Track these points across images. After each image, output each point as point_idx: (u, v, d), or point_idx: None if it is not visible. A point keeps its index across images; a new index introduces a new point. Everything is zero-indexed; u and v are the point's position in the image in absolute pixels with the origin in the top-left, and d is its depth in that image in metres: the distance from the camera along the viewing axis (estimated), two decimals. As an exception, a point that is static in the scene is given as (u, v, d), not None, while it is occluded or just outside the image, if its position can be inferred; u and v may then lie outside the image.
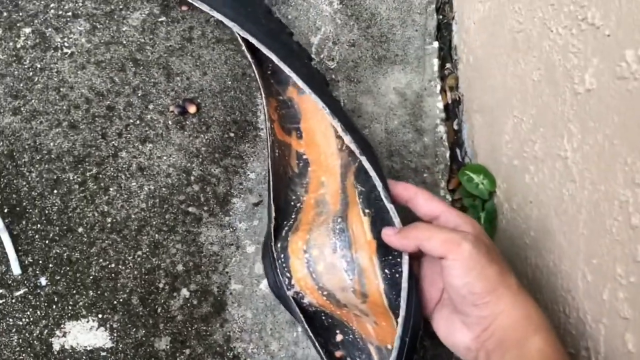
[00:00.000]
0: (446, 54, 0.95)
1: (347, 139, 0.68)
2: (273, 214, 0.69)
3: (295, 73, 0.73)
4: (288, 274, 0.67)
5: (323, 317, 0.69)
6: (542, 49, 0.67)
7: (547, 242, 0.65)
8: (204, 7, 0.76)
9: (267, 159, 0.75)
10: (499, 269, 0.55)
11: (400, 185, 0.66)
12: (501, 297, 0.54)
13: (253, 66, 0.78)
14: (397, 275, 0.62)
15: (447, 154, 0.87)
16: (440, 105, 0.90)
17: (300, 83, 0.72)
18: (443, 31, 0.96)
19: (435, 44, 0.93)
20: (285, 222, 0.72)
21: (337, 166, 0.74)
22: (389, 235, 0.62)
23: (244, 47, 0.79)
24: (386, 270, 0.62)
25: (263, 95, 0.77)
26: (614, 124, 0.52)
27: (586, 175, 0.58)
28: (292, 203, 0.74)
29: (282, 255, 0.67)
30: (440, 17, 0.97)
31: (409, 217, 0.65)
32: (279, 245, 0.68)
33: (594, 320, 0.56)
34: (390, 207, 0.63)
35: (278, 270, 0.67)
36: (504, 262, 0.58)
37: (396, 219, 0.63)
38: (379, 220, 0.64)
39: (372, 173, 0.66)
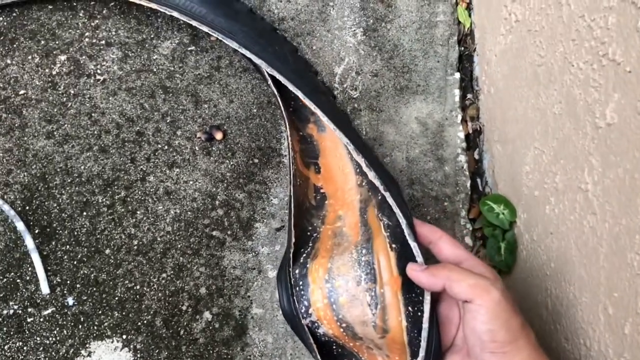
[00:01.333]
0: (467, 84, 0.97)
1: (371, 175, 0.68)
2: (293, 239, 0.69)
3: (320, 109, 0.74)
4: (306, 302, 0.65)
5: (334, 347, 0.69)
6: (563, 82, 0.68)
7: (568, 273, 0.66)
8: (234, 45, 0.78)
9: (289, 185, 0.76)
10: (522, 322, 0.55)
11: (426, 227, 0.65)
12: (520, 350, 0.54)
13: (278, 99, 0.80)
14: (419, 314, 0.61)
15: (468, 183, 0.88)
16: (461, 135, 0.91)
17: (325, 119, 0.73)
18: (465, 62, 0.98)
19: (457, 75, 0.95)
20: (302, 250, 0.72)
21: (356, 201, 0.74)
22: (416, 271, 0.60)
23: (270, 83, 0.81)
24: (409, 308, 0.61)
25: (287, 127, 0.79)
26: (635, 159, 0.53)
27: (607, 209, 0.59)
28: (309, 233, 0.74)
29: (300, 283, 0.66)
30: (462, 48, 0.99)
31: (430, 260, 0.64)
32: (297, 271, 0.67)
33: (615, 354, 0.56)
34: (413, 245, 0.63)
35: (295, 297, 0.66)
36: (523, 316, 0.58)
37: (419, 258, 0.62)
38: (404, 257, 0.64)
39: (396, 210, 0.65)
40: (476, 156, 0.92)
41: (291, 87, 0.77)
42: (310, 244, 0.72)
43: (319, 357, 0.64)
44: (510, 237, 0.79)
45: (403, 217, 0.65)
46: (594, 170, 0.61)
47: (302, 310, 0.65)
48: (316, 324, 0.65)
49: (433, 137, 0.90)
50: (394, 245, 0.64)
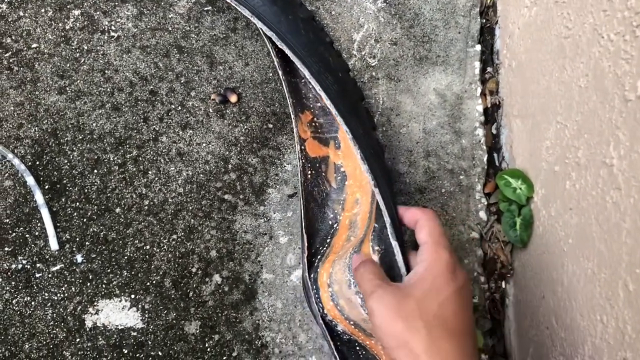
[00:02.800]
0: (488, 57, 0.95)
1: (364, 168, 0.67)
2: (305, 244, 0.71)
3: (325, 92, 0.72)
4: (321, 304, 0.69)
5: (357, 347, 0.70)
6: (591, 55, 0.66)
7: (587, 250, 0.65)
8: (246, 13, 0.76)
9: (299, 186, 0.76)
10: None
11: (410, 212, 0.65)
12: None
13: (284, 83, 0.78)
14: None
15: (485, 158, 0.86)
16: (480, 108, 0.89)
17: (328, 103, 0.72)
18: (486, 35, 0.96)
19: (478, 47, 0.93)
20: (320, 248, 0.73)
21: (369, 186, 0.74)
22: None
23: (275, 62, 0.79)
24: None
25: (293, 115, 0.78)
26: (667, 132, 0.52)
27: (632, 184, 0.57)
28: (330, 222, 0.75)
29: (314, 287, 0.70)
30: (484, 20, 0.96)
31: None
32: (312, 276, 0.70)
33: (634, 330, 0.55)
34: (394, 244, 0.63)
35: (313, 299, 0.69)
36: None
37: (399, 257, 0.63)
38: (387, 259, 0.65)
39: (383, 207, 0.65)
40: (494, 131, 0.90)
41: (298, 64, 0.74)
42: (328, 240, 0.73)
43: (336, 355, 0.68)
44: (527, 212, 0.77)
45: (388, 216, 0.65)
46: (621, 145, 0.60)
47: (320, 312, 0.69)
48: (334, 322, 0.69)
49: (451, 110, 0.88)
50: (376, 248, 0.66)
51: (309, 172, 0.77)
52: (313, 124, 0.80)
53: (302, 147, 0.77)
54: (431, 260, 0.58)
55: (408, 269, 0.62)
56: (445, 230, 0.64)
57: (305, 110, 0.80)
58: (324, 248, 0.72)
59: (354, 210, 0.75)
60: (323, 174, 0.77)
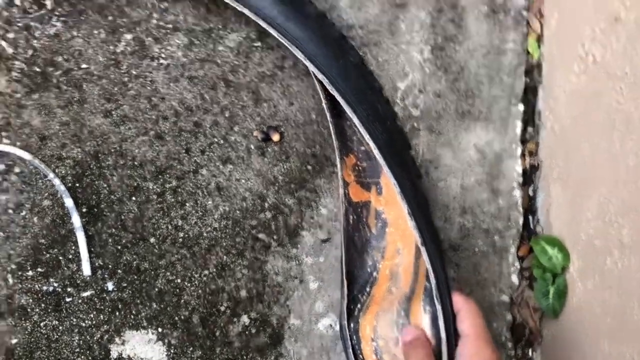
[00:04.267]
0: (529, 117, 0.95)
1: (411, 224, 0.68)
2: (346, 291, 0.70)
3: (373, 141, 0.72)
4: (361, 356, 0.69)
5: None
6: (644, 134, 0.66)
7: (626, 333, 0.64)
8: (299, 54, 0.77)
9: (341, 230, 0.75)
10: None
11: (454, 297, 0.66)
12: None
13: (331, 126, 0.78)
14: None
15: (520, 220, 0.86)
16: (519, 169, 0.89)
17: (376, 152, 0.72)
18: (529, 94, 0.96)
19: (521, 107, 0.93)
20: (359, 296, 0.73)
21: (414, 235, 0.73)
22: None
23: (324, 103, 0.79)
24: None
25: (338, 158, 0.78)
26: None
27: (683, 275, 0.57)
28: (369, 270, 0.75)
29: (354, 337, 0.70)
30: (528, 79, 0.96)
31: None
32: (352, 325, 0.70)
33: None
34: (438, 307, 0.63)
35: (350, 350, 0.69)
36: None
37: (441, 322, 0.63)
38: (437, 322, 0.65)
39: (429, 266, 0.65)
40: (530, 192, 0.90)
41: (348, 111, 0.75)
42: (368, 289, 0.73)
43: None
44: (561, 282, 0.77)
45: (434, 276, 0.65)
46: (672, 233, 0.59)
47: None
48: None
49: (490, 168, 0.88)
50: (428, 308, 0.66)
51: (351, 216, 0.76)
52: (356, 167, 0.80)
53: (346, 191, 0.77)
54: (473, 355, 0.58)
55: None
56: (485, 325, 0.63)
57: (349, 154, 0.80)
58: (364, 297, 0.72)
59: (395, 260, 0.74)
60: (364, 219, 0.77)
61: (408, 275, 0.71)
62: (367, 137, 0.73)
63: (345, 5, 0.93)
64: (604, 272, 0.70)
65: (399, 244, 0.75)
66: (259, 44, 0.90)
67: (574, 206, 0.79)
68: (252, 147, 0.84)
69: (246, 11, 0.79)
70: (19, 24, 0.84)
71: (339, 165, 0.77)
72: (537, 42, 0.98)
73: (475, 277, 0.82)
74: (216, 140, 0.84)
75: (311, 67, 0.77)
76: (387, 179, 0.78)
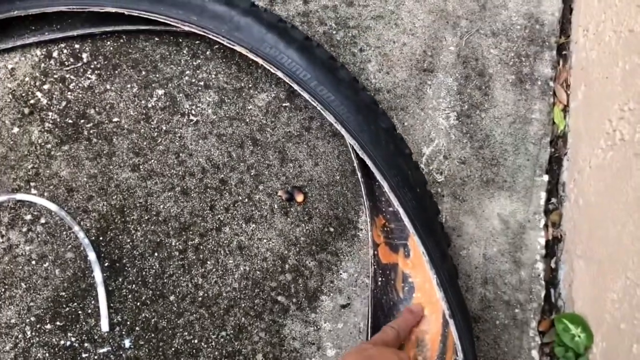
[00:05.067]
0: (553, 188, 0.95)
1: (440, 295, 0.67)
2: None
3: (402, 208, 0.73)
4: None
5: None
6: (674, 222, 0.66)
7: None
8: (331, 119, 0.78)
9: (369, 293, 0.75)
10: None
11: None
12: None
13: (362, 186, 0.79)
14: None
15: (542, 293, 0.85)
16: (542, 241, 0.88)
17: (405, 220, 0.72)
18: (553, 164, 0.96)
19: (546, 178, 0.93)
20: None
21: (442, 306, 0.73)
22: None
23: (355, 164, 0.80)
24: None
25: (368, 218, 0.78)
26: None
27: None
28: None
29: None
30: (552, 149, 0.96)
31: None
32: None
33: None
34: None
35: None
36: None
37: None
38: None
39: (457, 341, 0.65)
40: (552, 264, 0.89)
41: (378, 177, 0.75)
42: None
43: None
44: (584, 363, 0.75)
45: (462, 351, 0.64)
46: (703, 328, 0.58)
47: None
48: None
49: (513, 238, 0.87)
50: None
51: (380, 279, 0.76)
52: (385, 229, 0.80)
53: (375, 252, 0.77)
54: None
55: None
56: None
57: (379, 214, 0.80)
58: None
59: (421, 326, 0.73)
60: (392, 282, 0.77)
61: (435, 345, 0.70)
62: (396, 203, 0.73)
63: (374, 69, 0.94)
64: (629, 358, 0.68)
65: (426, 310, 0.74)
66: (287, 104, 0.91)
67: (598, 284, 0.78)
68: (276, 206, 0.84)
69: (279, 73, 0.81)
70: (55, 76, 0.86)
71: (369, 226, 0.77)
72: (563, 112, 0.98)
73: (495, 350, 0.80)
74: (240, 198, 0.84)
75: (342, 131, 0.78)
76: (414, 242, 0.78)
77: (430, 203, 0.82)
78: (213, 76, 0.90)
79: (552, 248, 0.90)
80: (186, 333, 0.75)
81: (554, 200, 0.94)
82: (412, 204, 0.76)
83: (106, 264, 0.77)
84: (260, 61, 0.82)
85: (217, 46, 0.91)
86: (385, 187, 0.75)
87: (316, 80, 0.81)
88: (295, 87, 0.80)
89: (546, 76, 0.98)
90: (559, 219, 0.92)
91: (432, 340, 0.72)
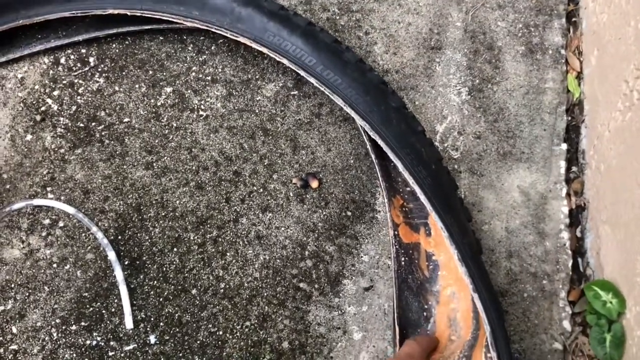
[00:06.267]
0: (572, 156, 0.93)
1: (462, 271, 0.66)
2: (397, 337, 0.69)
3: (418, 185, 0.72)
4: None
5: None
6: (700, 175, 0.64)
7: (694, 384, 0.60)
8: (339, 102, 0.77)
9: (392, 273, 0.74)
10: None
11: None
12: None
13: (377, 167, 0.78)
14: None
15: (570, 263, 0.83)
16: (566, 210, 0.86)
17: (422, 197, 0.71)
18: (571, 133, 0.94)
19: (564, 146, 0.91)
20: None
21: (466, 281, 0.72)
22: None
23: (369, 146, 0.79)
24: None
25: (386, 199, 0.77)
26: None
27: None
28: (425, 315, 0.73)
29: None
30: (569, 118, 0.94)
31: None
32: None
33: None
34: (494, 356, 0.61)
35: None
36: None
37: None
38: None
39: (483, 314, 0.63)
40: (578, 234, 0.87)
41: (392, 156, 0.74)
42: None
43: None
44: (618, 329, 0.73)
45: (488, 324, 0.63)
46: None
47: None
48: None
49: (535, 209, 0.86)
50: (489, 355, 0.63)
51: (403, 258, 0.75)
52: (404, 208, 0.79)
53: (396, 232, 0.76)
54: None
55: None
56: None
57: (396, 195, 0.80)
58: None
59: (450, 305, 0.72)
60: (416, 261, 0.76)
61: (468, 322, 0.69)
62: (411, 181, 0.72)
63: (381, 51, 0.93)
64: (664, 319, 0.66)
65: (453, 287, 0.73)
66: (295, 92, 0.90)
67: (626, 248, 0.76)
68: (291, 194, 0.84)
69: (285, 61, 0.80)
70: (64, 82, 0.87)
71: (387, 207, 0.76)
72: (577, 80, 0.96)
73: (525, 323, 0.79)
74: (255, 188, 0.84)
75: (352, 114, 0.77)
76: (434, 220, 0.77)
77: (447, 179, 0.80)
78: (220, 70, 0.90)
79: (576, 217, 0.88)
80: (210, 325, 0.75)
81: (574, 169, 0.92)
82: (427, 181, 0.75)
83: (126, 262, 0.77)
84: (264, 50, 0.81)
85: (221, 40, 0.91)
86: (399, 166, 0.74)
87: (322, 64, 0.81)
88: (302, 73, 0.79)
89: (557, 44, 0.96)
90: (581, 187, 0.90)
91: (464, 318, 0.71)
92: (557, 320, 0.80)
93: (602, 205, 0.84)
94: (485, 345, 0.64)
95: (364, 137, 0.81)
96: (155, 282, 0.77)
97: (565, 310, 0.80)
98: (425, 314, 0.73)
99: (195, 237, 0.80)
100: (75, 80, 0.87)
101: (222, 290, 0.77)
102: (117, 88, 0.87)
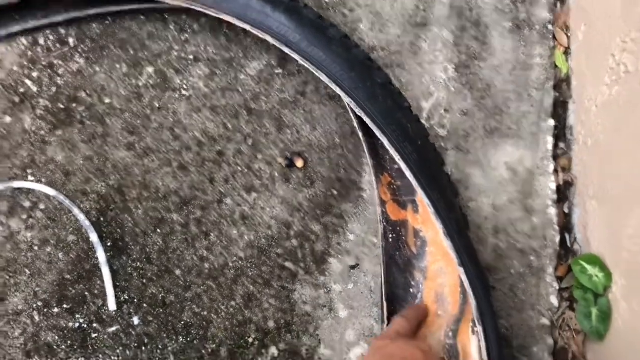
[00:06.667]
0: (560, 133, 0.92)
1: (448, 245, 0.65)
2: (385, 313, 0.69)
3: (404, 161, 0.71)
4: None
5: None
6: (686, 145, 0.63)
7: (679, 355, 0.60)
8: (324, 78, 0.76)
9: (380, 250, 0.74)
10: None
11: None
12: None
13: (363, 144, 0.77)
14: None
15: (557, 239, 0.83)
16: (553, 186, 0.86)
17: (408, 173, 0.70)
18: (559, 109, 0.93)
19: (551, 122, 0.90)
20: None
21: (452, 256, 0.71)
22: None
23: (355, 123, 0.78)
24: None
25: (374, 177, 0.76)
26: None
27: None
28: (412, 291, 0.72)
29: None
30: (557, 94, 0.94)
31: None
32: None
33: None
34: (480, 330, 0.61)
35: None
36: None
37: (482, 342, 0.61)
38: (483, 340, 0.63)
39: (469, 288, 0.63)
40: (565, 209, 0.87)
41: (377, 133, 0.73)
42: None
43: None
44: (604, 303, 0.73)
45: (474, 298, 0.63)
46: None
47: None
48: None
49: (522, 185, 0.85)
50: (476, 329, 0.63)
51: (390, 236, 0.75)
52: (392, 186, 0.78)
53: (383, 210, 0.76)
54: None
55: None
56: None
57: (384, 172, 0.79)
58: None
59: (438, 280, 0.72)
60: (403, 238, 0.75)
61: (456, 296, 0.69)
62: (397, 157, 0.71)
63: (366, 28, 0.92)
64: (650, 292, 0.66)
65: (441, 263, 0.72)
66: (280, 70, 0.89)
67: (613, 223, 0.75)
68: (276, 174, 0.83)
69: (268, 37, 0.79)
70: (43, 63, 0.85)
71: (374, 184, 0.76)
72: (564, 55, 0.95)
73: (512, 300, 0.78)
74: (240, 169, 0.83)
75: (337, 90, 0.76)
76: (422, 198, 0.77)
77: (434, 155, 0.80)
78: (202, 49, 0.89)
79: (563, 193, 0.88)
80: (195, 306, 0.74)
81: (562, 145, 0.91)
82: (413, 157, 0.74)
83: (109, 244, 0.76)
84: (247, 27, 0.80)
85: (203, 19, 0.90)
86: (385, 143, 0.73)
87: (306, 41, 0.79)
88: (286, 50, 0.78)
89: (544, 20, 0.95)
90: (568, 163, 0.89)
91: (451, 293, 0.70)
92: (545, 296, 0.79)
93: (589, 181, 0.84)
94: (472, 320, 0.64)
95: (351, 114, 0.80)
96: (139, 263, 0.76)
97: (552, 286, 0.80)
98: (412, 290, 0.72)
99: (179, 218, 0.79)
100: (55, 61, 0.86)
101: (206, 271, 0.77)
102: (97, 69, 0.86)
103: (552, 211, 0.84)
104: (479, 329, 0.60)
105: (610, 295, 0.74)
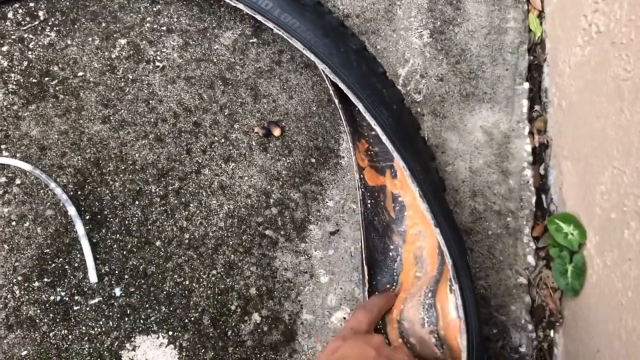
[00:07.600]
0: (535, 95, 0.93)
1: (423, 207, 0.66)
2: (366, 277, 0.70)
3: (380, 127, 0.71)
4: (387, 340, 0.69)
5: None
6: (654, 100, 0.64)
7: (649, 305, 0.61)
8: (298, 45, 0.75)
9: (359, 216, 0.75)
10: None
11: None
12: None
13: (340, 112, 0.77)
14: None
15: (533, 199, 0.84)
16: (528, 148, 0.87)
17: (384, 138, 0.70)
18: (533, 72, 0.94)
19: (526, 85, 0.91)
20: (388, 287, 0.73)
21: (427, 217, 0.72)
22: None
23: (331, 91, 0.78)
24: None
25: (351, 143, 0.77)
26: None
27: None
28: (391, 255, 0.73)
29: (380, 322, 0.70)
30: (532, 57, 0.94)
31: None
32: None
33: None
34: (456, 287, 0.62)
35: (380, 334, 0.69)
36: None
37: (458, 300, 0.62)
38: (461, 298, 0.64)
39: (445, 249, 0.64)
40: (542, 171, 0.88)
41: (352, 98, 0.73)
42: (395, 277, 0.72)
43: None
44: (579, 260, 0.74)
45: (450, 257, 0.64)
46: (690, 197, 0.57)
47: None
48: None
49: (498, 148, 0.86)
50: (453, 287, 0.64)
51: (369, 201, 0.75)
52: (369, 152, 0.79)
53: (361, 176, 0.76)
54: None
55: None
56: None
57: (361, 139, 0.79)
58: (393, 287, 0.71)
59: (417, 243, 0.73)
60: (382, 203, 0.76)
61: (434, 258, 0.70)
62: (373, 122, 0.72)
63: (339, -6, 0.91)
64: (622, 246, 0.67)
65: (419, 227, 0.73)
66: (254, 40, 0.89)
67: (586, 181, 0.76)
68: (254, 143, 0.83)
69: (241, 5, 0.78)
70: (13, 37, 0.84)
71: (352, 151, 0.76)
72: (538, 19, 0.96)
73: (490, 260, 0.80)
74: (217, 139, 0.82)
75: (311, 57, 0.76)
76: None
77: (410, 119, 0.80)
78: (175, 20, 0.88)
79: (539, 155, 0.89)
80: (176, 276, 0.75)
81: (537, 107, 0.92)
82: (389, 121, 0.74)
83: (87, 217, 0.76)
84: (219, -4, 0.79)
85: (175, -11, 0.89)
86: (361, 108, 0.73)
87: (279, 8, 0.79)
88: (259, 17, 0.77)
89: (518, -17, 0.95)
90: (544, 125, 0.90)
91: (430, 255, 0.71)
92: (522, 256, 0.81)
93: (564, 142, 0.85)
94: (449, 279, 0.65)
95: (327, 82, 0.79)
96: (118, 235, 0.76)
97: (529, 246, 0.81)
98: (391, 253, 0.73)
99: (157, 190, 0.79)
100: (25, 35, 0.84)
101: (186, 241, 0.77)
102: (69, 42, 0.85)
103: (528, 173, 0.85)
104: (456, 287, 0.61)
105: (585, 252, 0.75)
